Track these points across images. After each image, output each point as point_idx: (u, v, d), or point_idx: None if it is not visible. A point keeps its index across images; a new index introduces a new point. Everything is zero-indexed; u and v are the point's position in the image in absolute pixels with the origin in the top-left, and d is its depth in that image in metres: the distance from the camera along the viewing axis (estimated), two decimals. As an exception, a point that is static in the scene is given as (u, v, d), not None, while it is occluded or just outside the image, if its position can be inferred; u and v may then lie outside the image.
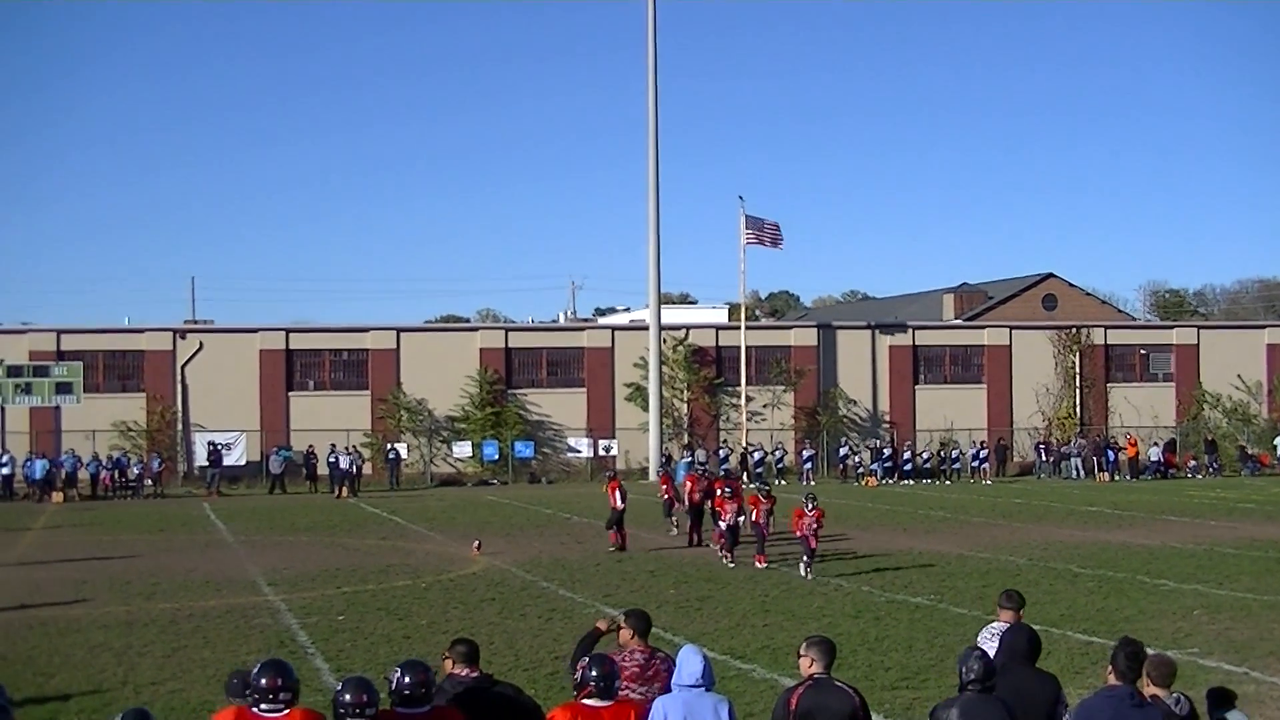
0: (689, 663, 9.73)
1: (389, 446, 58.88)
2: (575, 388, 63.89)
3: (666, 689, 10.14)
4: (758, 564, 29.25)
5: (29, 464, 53.93)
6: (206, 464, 56.45)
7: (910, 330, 68.26)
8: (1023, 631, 10.93)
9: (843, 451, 62.99)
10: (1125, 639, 10.13)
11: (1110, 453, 62.27)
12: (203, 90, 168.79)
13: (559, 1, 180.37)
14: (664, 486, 37.97)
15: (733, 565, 29.54)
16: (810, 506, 28.34)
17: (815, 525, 28.07)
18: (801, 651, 9.90)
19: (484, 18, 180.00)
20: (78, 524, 42.31)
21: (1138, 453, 62.66)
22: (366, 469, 57.08)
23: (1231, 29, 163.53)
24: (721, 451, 61.92)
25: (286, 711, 8.78)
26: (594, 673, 9.52)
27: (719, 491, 31.65)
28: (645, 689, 10.43)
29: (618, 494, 33.57)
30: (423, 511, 45.22)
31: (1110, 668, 9.78)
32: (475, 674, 10.08)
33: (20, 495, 52.75)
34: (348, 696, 8.74)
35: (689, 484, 35.49)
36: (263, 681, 8.79)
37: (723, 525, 30.75)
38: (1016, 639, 10.71)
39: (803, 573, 27.65)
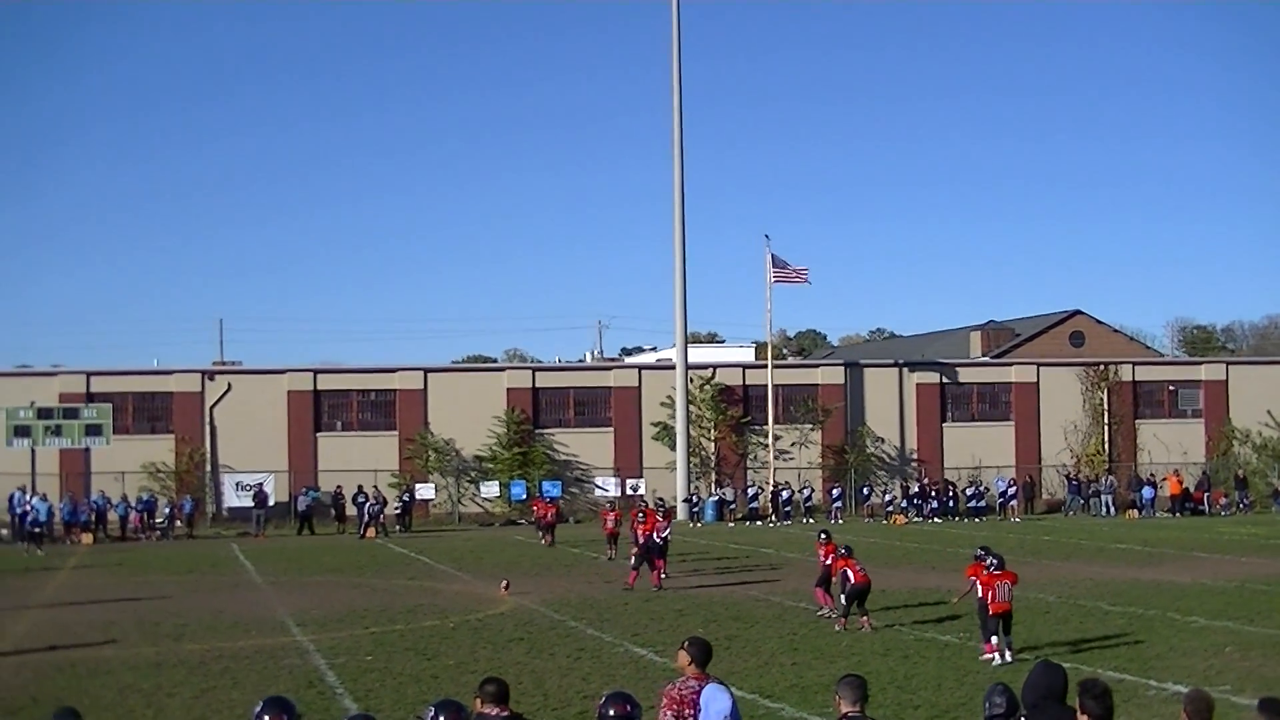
0: (716, 700, 9.75)
1: (403, 489, 58.92)
2: (602, 427, 63.94)
3: None
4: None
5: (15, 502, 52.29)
6: (251, 504, 56.45)
7: (938, 368, 68.17)
8: (1055, 669, 10.87)
9: (865, 491, 62.98)
10: (1084, 681, 9.77)
11: (1149, 489, 61.97)
12: (232, 132, 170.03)
13: (584, 41, 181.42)
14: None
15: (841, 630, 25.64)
16: (990, 563, 22.83)
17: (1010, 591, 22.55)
18: (836, 690, 9.91)
19: (510, 60, 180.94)
20: (107, 565, 42.45)
21: (1182, 489, 62.42)
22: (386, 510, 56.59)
23: (1262, 66, 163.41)
24: (750, 489, 62.03)
25: None
26: (610, 711, 9.49)
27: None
28: (702, 716, 10.46)
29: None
30: (450, 552, 45.25)
31: (1083, 715, 9.25)
32: (505, 713, 10.08)
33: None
34: None
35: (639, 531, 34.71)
36: (266, 718, 8.83)
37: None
38: (1050, 676, 10.64)
39: (1002, 658, 21.86)
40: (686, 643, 11.24)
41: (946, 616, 27.05)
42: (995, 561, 22.66)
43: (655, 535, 33.54)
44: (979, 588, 22.70)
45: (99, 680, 21.20)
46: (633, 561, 33.97)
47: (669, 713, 10.55)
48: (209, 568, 41.10)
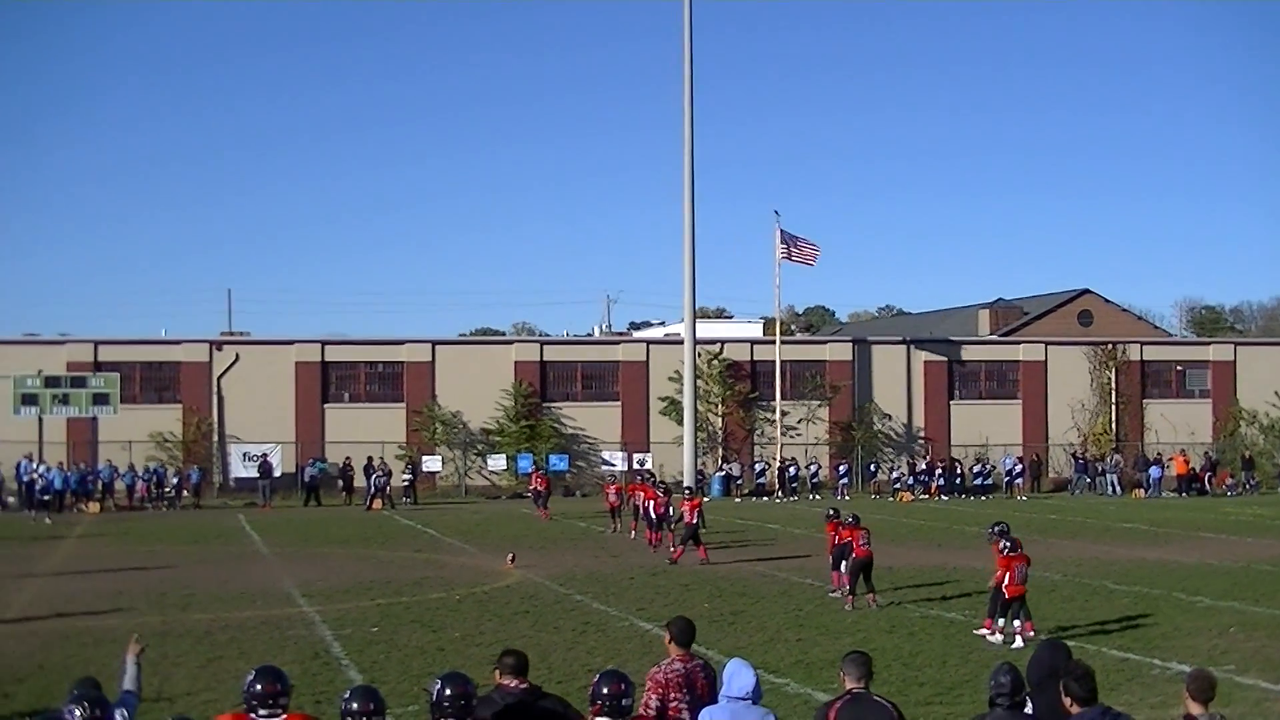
0: (740, 675, 9.69)
1: (407, 462, 58.87)
2: (610, 401, 63.94)
3: (708, 697, 10.14)
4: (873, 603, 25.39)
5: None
6: (257, 475, 56.46)
7: (946, 346, 68.09)
8: (1059, 648, 10.89)
9: (872, 468, 62.97)
10: (1066, 665, 9.68)
11: (1157, 469, 61.87)
12: (243, 102, 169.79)
13: (595, 13, 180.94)
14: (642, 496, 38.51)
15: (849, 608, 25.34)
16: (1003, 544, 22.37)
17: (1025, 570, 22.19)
18: (841, 666, 9.91)
19: (520, 33, 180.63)
20: (114, 534, 42.53)
21: (1189, 470, 62.48)
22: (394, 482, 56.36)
23: (1273, 47, 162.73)
24: (757, 465, 62.11)
25: (283, 716, 8.98)
26: (603, 690, 9.46)
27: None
28: (689, 697, 10.40)
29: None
30: (456, 524, 45.30)
31: (1068, 699, 9.14)
32: (524, 686, 10.07)
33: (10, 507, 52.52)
34: (355, 705, 8.82)
35: (685, 507, 34.00)
36: (258, 687, 8.93)
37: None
38: (1054, 655, 10.66)
39: (1008, 641, 21.65)
40: (668, 623, 11.18)
41: (952, 594, 27.07)
42: (1009, 544, 22.11)
43: (654, 509, 36.15)
44: (997, 569, 22.08)
45: (105, 649, 21.20)
46: (677, 540, 33.93)
47: (654, 696, 10.46)
48: (215, 538, 41.17)
